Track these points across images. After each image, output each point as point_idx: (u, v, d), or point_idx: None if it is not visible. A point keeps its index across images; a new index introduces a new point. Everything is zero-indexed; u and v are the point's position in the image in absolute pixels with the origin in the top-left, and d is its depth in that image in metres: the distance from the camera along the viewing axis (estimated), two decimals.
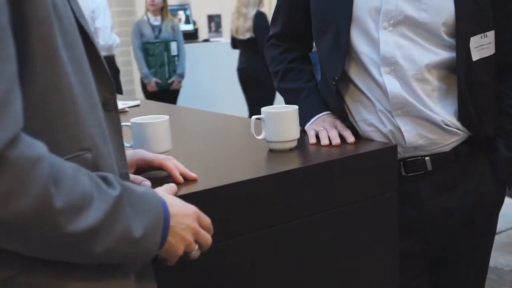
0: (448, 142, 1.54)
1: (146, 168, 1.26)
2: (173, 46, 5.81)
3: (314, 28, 1.62)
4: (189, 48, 6.34)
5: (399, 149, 1.52)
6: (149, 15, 5.86)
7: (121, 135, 1.00)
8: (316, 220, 1.38)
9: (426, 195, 1.56)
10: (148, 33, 5.79)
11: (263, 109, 1.49)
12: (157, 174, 1.27)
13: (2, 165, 0.72)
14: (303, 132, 1.60)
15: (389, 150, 1.49)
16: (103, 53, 5.11)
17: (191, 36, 7.39)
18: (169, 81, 5.85)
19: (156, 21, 5.84)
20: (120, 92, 5.64)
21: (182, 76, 5.92)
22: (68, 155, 0.85)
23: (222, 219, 1.22)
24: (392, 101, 1.49)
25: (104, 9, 5.42)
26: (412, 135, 1.51)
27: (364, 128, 1.56)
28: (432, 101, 1.50)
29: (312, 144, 1.53)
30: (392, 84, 1.49)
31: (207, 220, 1.04)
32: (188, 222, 0.98)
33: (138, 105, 2.44)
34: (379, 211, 1.48)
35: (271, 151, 1.48)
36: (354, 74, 1.55)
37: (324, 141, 1.51)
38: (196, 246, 1.02)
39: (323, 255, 1.41)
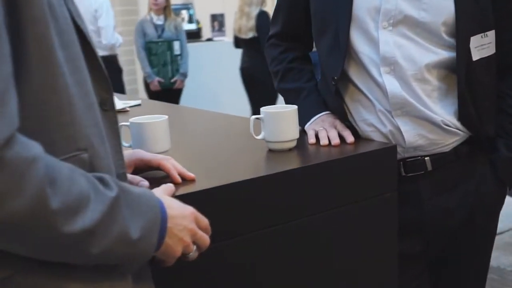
0: (448, 142, 1.53)
1: (144, 168, 1.26)
2: (176, 45, 5.81)
3: (314, 27, 1.62)
4: (192, 48, 6.34)
5: (399, 149, 1.52)
6: (152, 14, 5.86)
7: (119, 135, 1.00)
8: (315, 220, 1.38)
9: (426, 195, 1.56)
10: (151, 33, 5.79)
11: (262, 109, 1.49)
12: (155, 174, 1.27)
13: None
14: (303, 132, 1.60)
15: (389, 150, 1.49)
16: (105, 53, 5.14)
17: (194, 35, 7.39)
18: (172, 80, 5.85)
19: (159, 20, 5.84)
20: (123, 92, 5.64)
21: (185, 75, 5.92)
22: (64, 155, 0.85)
23: (220, 219, 1.21)
24: (392, 101, 1.49)
25: (107, 8, 5.43)
26: (411, 135, 1.50)
27: (364, 128, 1.56)
28: (432, 101, 1.50)
29: (312, 144, 1.52)
30: (391, 84, 1.48)
31: (205, 221, 1.04)
32: (185, 224, 0.98)
33: (139, 105, 2.44)
34: (379, 211, 1.48)
35: (271, 151, 1.48)
36: (354, 74, 1.54)
37: (324, 141, 1.51)
38: (194, 247, 1.02)
39: (323, 255, 1.41)
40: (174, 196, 1.12)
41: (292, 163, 1.41)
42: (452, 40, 1.47)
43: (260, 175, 1.31)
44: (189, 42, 6.26)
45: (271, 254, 1.33)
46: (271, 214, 1.31)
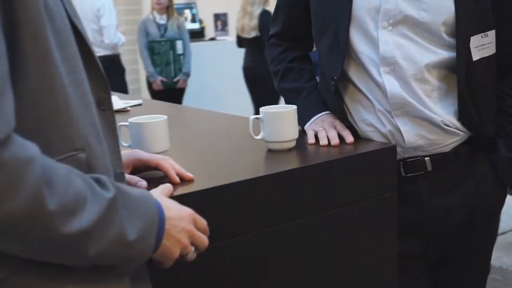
0: (448, 143, 1.53)
1: (143, 168, 1.26)
2: (179, 44, 5.81)
3: (314, 27, 1.62)
4: (195, 47, 6.35)
5: (399, 149, 1.52)
6: (155, 13, 5.87)
7: (116, 135, 1.00)
8: (315, 220, 1.37)
9: (426, 196, 1.56)
10: (154, 32, 5.80)
11: (261, 109, 1.49)
12: (153, 174, 1.27)
13: None
14: (302, 132, 1.59)
15: (388, 151, 1.48)
16: (108, 52, 5.15)
17: (197, 35, 7.40)
18: (175, 79, 5.86)
19: (162, 19, 5.85)
20: (126, 91, 5.65)
21: (187, 74, 5.92)
22: (61, 155, 0.85)
23: (219, 219, 1.21)
24: (392, 101, 1.48)
25: (110, 7, 5.43)
26: (411, 135, 1.50)
27: (364, 128, 1.56)
28: (431, 101, 1.49)
29: (311, 144, 1.52)
30: (391, 84, 1.48)
31: (203, 222, 1.04)
32: (183, 225, 0.98)
33: (140, 104, 2.44)
34: (379, 211, 1.48)
35: (270, 151, 1.48)
36: (354, 74, 1.54)
37: (323, 141, 1.51)
38: (193, 248, 1.02)
39: (322, 256, 1.41)
40: (173, 196, 1.12)
41: (292, 163, 1.41)
42: (452, 40, 1.46)
43: (259, 175, 1.31)
44: (192, 41, 6.26)
45: (270, 255, 1.33)
46: (270, 214, 1.31)
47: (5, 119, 0.73)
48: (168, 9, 5.85)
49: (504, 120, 1.56)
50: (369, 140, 1.55)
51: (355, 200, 1.43)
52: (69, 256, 0.83)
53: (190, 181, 1.25)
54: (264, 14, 5.67)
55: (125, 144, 1.44)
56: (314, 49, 1.72)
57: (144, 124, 1.39)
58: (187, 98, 6.10)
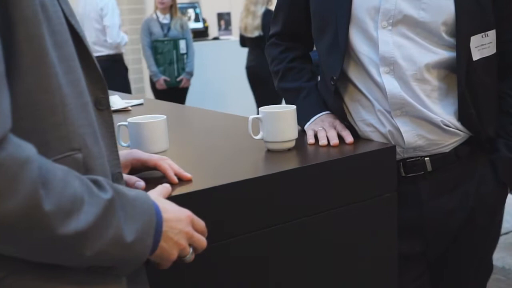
0: (448, 143, 1.52)
1: (141, 169, 1.26)
2: (182, 44, 5.82)
3: (314, 27, 1.61)
4: (199, 46, 6.35)
5: (399, 149, 1.51)
6: (158, 13, 5.87)
7: (114, 134, 1.00)
8: (314, 220, 1.37)
9: (426, 196, 1.55)
10: (157, 31, 5.80)
11: (261, 109, 1.49)
12: (151, 174, 1.27)
13: None
14: (302, 132, 1.59)
15: (388, 151, 1.48)
16: (111, 51, 5.15)
17: (201, 34, 7.40)
18: (178, 79, 5.86)
19: (165, 19, 5.85)
20: (129, 90, 5.65)
21: (191, 74, 5.92)
22: (58, 155, 0.85)
23: (217, 219, 1.22)
24: (391, 101, 1.48)
25: (113, 7, 5.44)
26: (411, 135, 1.50)
27: (363, 128, 1.55)
28: (431, 101, 1.49)
29: (311, 144, 1.52)
30: (391, 84, 1.47)
31: (201, 223, 1.04)
32: (181, 227, 0.98)
33: (141, 104, 2.44)
34: (378, 211, 1.47)
35: (269, 151, 1.47)
36: (353, 73, 1.53)
37: (323, 141, 1.50)
38: (191, 250, 1.01)
39: (321, 256, 1.40)
40: (171, 196, 1.12)
41: (291, 163, 1.41)
42: (452, 40, 1.46)
43: (258, 175, 1.30)
44: (195, 40, 6.26)
45: (269, 255, 1.33)
46: (269, 214, 1.31)
47: (1, 119, 0.73)
48: (171, 9, 5.86)
49: (505, 121, 1.55)
50: (368, 140, 1.54)
51: (354, 201, 1.43)
52: (66, 257, 0.83)
53: (188, 181, 1.25)
54: (267, 13, 5.67)
55: (124, 144, 1.44)
56: (315, 48, 1.72)
57: (143, 124, 1.39)
58: (190, 98, 6.10)
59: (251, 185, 1.28)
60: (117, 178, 0.99)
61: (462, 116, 1.50)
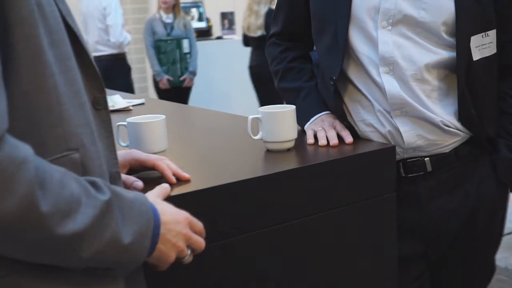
0: (448, 143, 1.52)
1: (139, 169, 1.26)
2: (185, 43, 5.82)
3: (314, 27, 1.61)
4: (202, 46, 6.35)
5: (398, 149, 1.51)
6: (161, 12, 5.88)
7: (112, 134, 1.00)
8: (313, 221, 1.37)
9: (426, 196, 1.55)
10: (160, 31, 5.81)
11: (260, 109, 1.48)
12: (150, 174, 1.27)
13: None
14: (302, 132, 1.59)
15: (387, 151, 1.47)
16: (114, 51, 5.15)
17: (204, 34, 7.40)
18: (181, 78, 5.87)
19: (168, 18, 5.86)
20: (132, 90, 5.66)
21: (194, 73, 5.93)
22: (55, 155, 0.85)
23: (216, 220, 1.22)
24: (391, 101, 1.47)
25: (116, 6, 5.45)
26: (411, 135, 1.49)
27: (363, 129, 1.55)
28: (431, 101, 1.48)
29: (310, 145, 1.51)
30: (390, 84, 1.47)
31: (199, 225, 1.04)
32: (179, 229, 0.98)
33: (142, 104, 2.44)
34: (377, 212, 1.47)
35: (269, 151, 1.47)
36: (353, 73, 1.53)
37: (322, 141, 1.50)
38: (189, 251, 1.01)
39: (321, 256, 1.40)
40: (169, 196, 1.11)
41: (290, 163, 1.41)
42: (452, 40, 1.45)
43: (257, 176, 1.30)
44: (199, 40, 6.26)
45: (268, 255, 1.32)
46: (268, 214, 1.31)
47: None
48: (174, 8, 5.86)
49: (505, 121, 1.55)
50: (368, 140, 1.54)
51: (354, 201, 1.42)
52: (62, 258, 0.83)
53: (186, 181, 1.25)
54: (270, 13, 5.66)
55: (123, 144, 1.43)
56: (315, 48, 1.72)
57: (141, 124, 1.39)
58: (193, 97, 6.10)
59: (250, 185, 1.28)
60: (115, 177, 0.99)
61: (462, 116, 1.50)
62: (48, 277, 0.85)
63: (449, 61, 1.47)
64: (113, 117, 1.73)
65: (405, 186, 1.53)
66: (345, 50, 1.50)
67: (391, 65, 1.46)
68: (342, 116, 1.56)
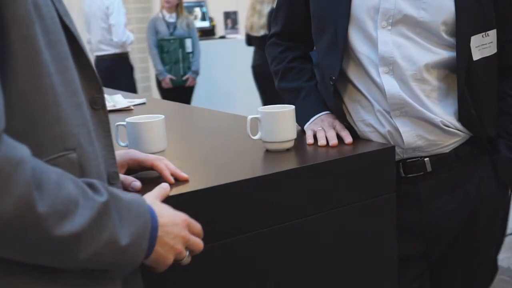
0: (448, 143, 1.51)
1: (138, 169, 1.26)
2: (188, 43, 5.83)
3: (313, 27, 1.60)
4: (205, 45, 6.35)
5: (398, 150, 1.50)
6: (164, 12, 5.88)
7: (110, 134, 1.00)
8: (312, 221, 1.37)
9: (426, 197, 1.54)
10: (163, 30, 5.81)
11: (259, 109, 1.48)
12: (148, 174, 1.27)
13: None
14: (302, 132, 1.59)
15: (387, 151, 1.47)
16: (117, 50, 5.16)
17: (208, 33, 7.41)
18: (184, 78, 5.87)
19: (171, 18, 5.86)
20: (134, 89, 5.66)
21: (196, 73, 5.93)
22: (52, 155, 0.85)
23: (215, 220, 1.22)
24: (390, 102, 1.47)
25: (118, 5, 5.45)
26: (410, 135, 1.49)
27: (363, 129, 1.54)
28: (431, 101, 1.48)
29: (310, 145, 1.51)
30: (390, 84, 1.47)
31: (197, 226, 1.04)
32: (177, 231, 0.98)
33: (144, 103, 2.44)
34: (377, 212, 1.47)
35: (268, 151, 1.47)
36: (353, 73, 1.53)
37: (322, 141, 1.50)
38: (187, 253, 1.01)
39: (320, 256, 1.40)
40: (168, 196, 1.11)
41: (289, 163, 1.40)
42: (452, 40, 1.45)
43: (256, 175, 1.30)
44: (202, 39, 6.25)
45: (268, 255, 1.32)
46: (267, 214, 1.30)
47: None
48: (177, 8, 5.87)
49: (505, 121, 1.54)
50: (367, 140, 1.53)
51: (353, 201, 1.42)
52: (59, 259, 0.83)
53: (185, 181, 1.25)
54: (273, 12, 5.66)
55: (123, 144, 1.43)
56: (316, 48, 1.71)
57: (140, 124, 1.39)
58: (196, 96, 6.10)
59: (250, 185, 1.28)
60: (113, 177, 0.99)
61: (462, 116, 1.49)
62: (45, 278, 0.85)
63: (449, 61, 1.46)
64: (114, 116, 1.74)
65: (405, 186, 1.52)
66: (344, 50, 1.50)
67: (390, 65, 1.46)
68: (341, 116, 1.56)
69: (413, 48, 1.45)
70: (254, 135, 1.47)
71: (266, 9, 5.70)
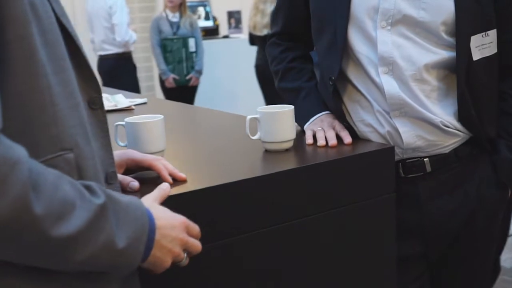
0: (447, 144, 1.51)
1: (136, 169, 1.26)
2: (191, 42, 5.83)
3: (313, 27, 1.60)
4: (208, 45, 6.35)
5: (398, 150, 1.50)
6: (168, 11, 5.89)
7: (108, 134, 1.00)
8: (312, 221, 1.37)
9: (425, 197, 1.54)
10: (167, 30, 5.82)
11: (258, 109, 1.48)
12: (146, 174, 1.27)
13: None
14: (302, 132, 1.58)
15: (386, 152, 1.47)
16: (120, 50, 5.18)
17: (211, 32, 7.41)
18: (187, 77, 5.87)
19: (174, 17, 5.87)
20: (137, 88, 5.67)
21: (200, 72, 5.93)
22: (49, 155, 0.85)
23: (213, 220, 1.22)
24: (390, 102, 1.47)
25: (121, 5, 5.46)
26: (410, 136, 1.48)
27: (362, 129, 1.54)
28: (431, 101, 1.47)
29: (309, 145, 1.51)
30: (389, 85, 1.46)
31: (196, 228, 1.04)
32: (175, 234, 0.97)
33: (145, 103, 2.44)
34: (376, 212, 1.46)
35: (267, 151, 1.47)
36: (352, 74, 1.52)
37: (321, 141, 1.50)
38: (185, 254, 1.01)
39: (319, 256, 1.40)
40: (168, 196, 1.11)
41: (289, 163, 1.40)
42: (452, 40, 1.44)
43: (255, 176, 1.30)
44: (205, 39, 6.25)
45: (268, 255, 1.32)
46: (266, 215, 1.30)
47: None
48: (180, 7, 5.87)
49: (506, 121, 1.54)
50: (367, 141, 1.53)
51: (352, 201, 1.42)
52: (56, 261, 0.83)
53: (182, 181, 1.24)
54: None
55: (122, 144, 1.43)
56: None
57: (139, 124, 1.38)
58: (199, 96, 6.10)
59: (249, 185, 1.28)
60: (111, 177, 0.99)
61: (462, 116, 1.49)
62: (42, 280, 0.85)
63: (448, 61, 1.46)
64: (115, 116, 1.73)
65: (404, 187, 1.52)
66: (344, 50, 1.49)
67: (390, 65, 1.46)
68: (341, 116, 1.56)
69: (412, 48, 1.45)
70: (253, 135, 1.47)
71: (269, 8, 5.69)
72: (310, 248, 1.38)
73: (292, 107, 1.48)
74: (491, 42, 1.47)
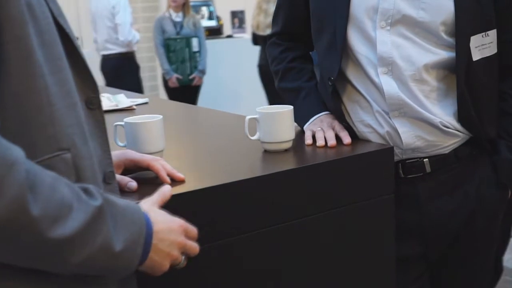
0: (447, 144, 1.51)
1: (134, 169, 1.26)
2: (195, 42, 5.84)
3: (313, 27, 1.60)
4: (212, 44, 6.35)
5: (397, 150, 1.50)
6: (171, 11, 5.89)
7: (106, 134, 1.00)
8: (310, 221, 1.36)
9: (425, 197, 1.54)
10: (170, 29, 5.82)
11: (257, 109, 1.48)
12: (145, 174, 1.27)
13: None
14: (301, 133, 1.58)
15: (386, 152, 1.47)
16: (123, 49, 5.18)
17: (215, 32, 7.41)
18: (190, 77, 5.88)
19: (177, 17, 5.87)
20: (140, 88, 5.68)
21: (203, 72, 5.94)
22: (46, 155, 0.85)
23: (212, 220, 1.22)
24: (389, 102, 1.47)
25: (125, 5, 5.47)
26: (409, 136, 1.48)
27: (361, 129, 1.54)
28: (430, 102, 1.47)
29: (308, 145, 1.51)
30: (389, 85, 1.46)
31: (194, 231, 1.04)
32: (173, 238, 0.97)
33: (146, 103, 2.44)
34: (376, 213, 1.46)
35: (266, 151, 1.47)
36: (352, 74, 1.52)
37: (320, 142, 1.49)
38: (183, 257, 1.01)
39: (318, 257, 1.40)
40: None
41: (288, 164, 1.40)
42: (451, 40, 1.44)
43: (254, 176, 1.30)
44: (209, 38, 6.25)
45: (268, 255, 1.32)
46: (267, 214, 1.30)
47: None
48: (184, 7, 5.87)
49: (506, 122, 1.54)
50: (366, 141, 1.53)
51: (352, 202, 1.42)
52: (51, 263, 0.83)
53: (181, 181, 1.24)
54: None
55: (121, 144, 1.43)
56: None
57: (138, 124, 1.38)
58: (202, 96, 6.11)
59: (249, 185, 1.28)
60: (109, 177, 0.99)
61: (461, 117, 1.48)
62: (40, 282, 0.85)
63: (448, 62, 1.45)
64: (116, 116, 1.73)
65: (404, 187, 1.52)
66: (343, 51, 1.49)
67: (389, 65, 1.45)
68: (340, 116, 1.56)
69: (412, 48, 1.44)
70: (252, 135, 1.47)
71: (272, 8, 5.62)
72: (310, 248, 1.38)
73: (291, 107, 1.47)
74: (491, 42, 1.46)
